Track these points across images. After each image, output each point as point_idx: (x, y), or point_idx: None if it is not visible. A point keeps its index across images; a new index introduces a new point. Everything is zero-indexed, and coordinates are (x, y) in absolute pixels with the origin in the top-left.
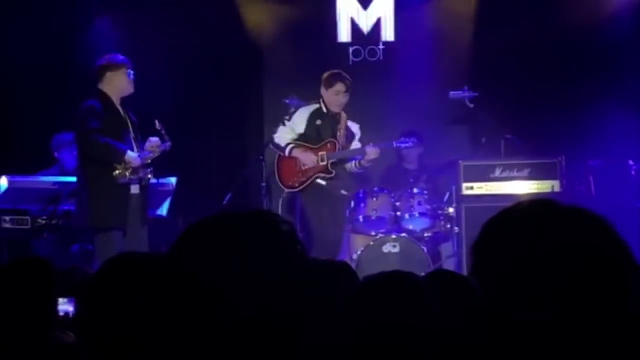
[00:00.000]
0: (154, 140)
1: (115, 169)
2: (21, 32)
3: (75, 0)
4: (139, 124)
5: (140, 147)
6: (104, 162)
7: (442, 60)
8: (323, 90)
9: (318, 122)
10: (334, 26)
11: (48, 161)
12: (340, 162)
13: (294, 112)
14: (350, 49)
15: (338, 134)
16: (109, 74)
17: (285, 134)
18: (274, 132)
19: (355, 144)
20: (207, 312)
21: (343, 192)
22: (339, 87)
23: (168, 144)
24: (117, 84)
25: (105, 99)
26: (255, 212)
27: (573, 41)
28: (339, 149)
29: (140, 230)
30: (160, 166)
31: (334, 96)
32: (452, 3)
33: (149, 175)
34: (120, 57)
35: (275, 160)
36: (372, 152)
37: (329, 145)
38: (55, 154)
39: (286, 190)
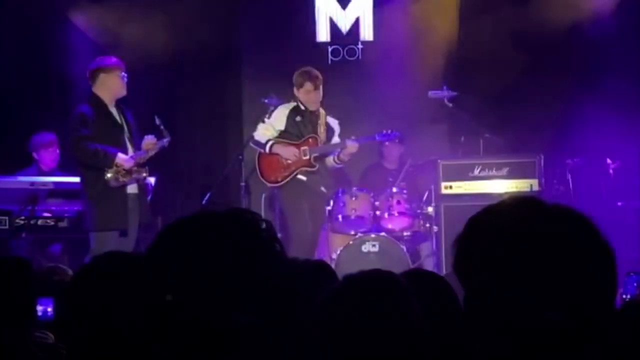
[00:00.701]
0: (150, 138)
1: (107, 172)
2: None
3: (49, 4)
4: (138, 120)
5: (137, 147)
6: (96, 168)
7: (421, 60)
8: (295, 91)
9: (298, 118)
10: (313, 25)
11: (25, 161)
12: (321, 158)
13: (273, 110)
14: (329, 49)
15: (319, 129)
16: (102, 77)
17: (265, 132)
18: (254, 131)
19: (336, 140)
20: (184, 311)
21: (322, 189)
22: (308, 86)
23: (167, 139)
24: (110, 87)
25: (97, 102)
26: (233, 211)
27: (552, 40)
28: (320, 144)
29: (133, 232)
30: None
31: (306, 95)
32: (430, 2)
33: (144, 175)
34: (114, 59)
35: (257, 158)
36: (351, 146)
37: (310, 140)
38: (34, 154)
39: (269, 185)
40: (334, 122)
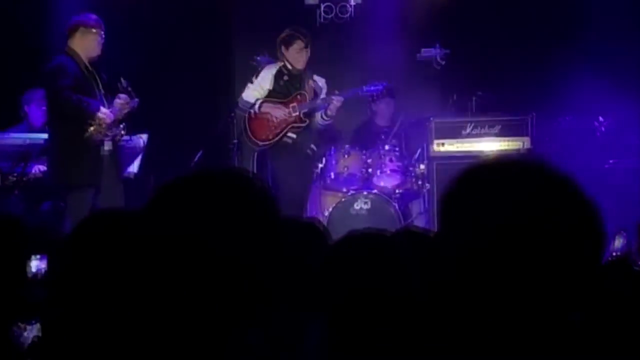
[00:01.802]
0: (123, 97)
1: (90, 125)
2: None
3: None
4: (109, 82)
5: (110, 105)
6: (78, 120)
7: (413, 19)
8: (283, 50)
9: (285, 78)
10: None
11: (15, 118)
12: (310, 115)
13: (260, 71)
14: (322, 6)
15: (306, 87)
16: (80, 33)
17: (253, 92)
18: (242, 92)
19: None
20: (182, 272)
21: (312, 146)
22: (298, 44)
23: (136, 100)
24: (87, 44)
25: (74, 56)
26: (228, 171)
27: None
28: (308, 101)
29: (115, 188)
30: (131, 124)
31: (295, 54)
32: None
33: (122, 132)
34: (94, 17)
35: (246, 119)
36: (337, 99)
37: (298, 96)
38: (25, 108)
39: (260, 144)
40: (320, 81)
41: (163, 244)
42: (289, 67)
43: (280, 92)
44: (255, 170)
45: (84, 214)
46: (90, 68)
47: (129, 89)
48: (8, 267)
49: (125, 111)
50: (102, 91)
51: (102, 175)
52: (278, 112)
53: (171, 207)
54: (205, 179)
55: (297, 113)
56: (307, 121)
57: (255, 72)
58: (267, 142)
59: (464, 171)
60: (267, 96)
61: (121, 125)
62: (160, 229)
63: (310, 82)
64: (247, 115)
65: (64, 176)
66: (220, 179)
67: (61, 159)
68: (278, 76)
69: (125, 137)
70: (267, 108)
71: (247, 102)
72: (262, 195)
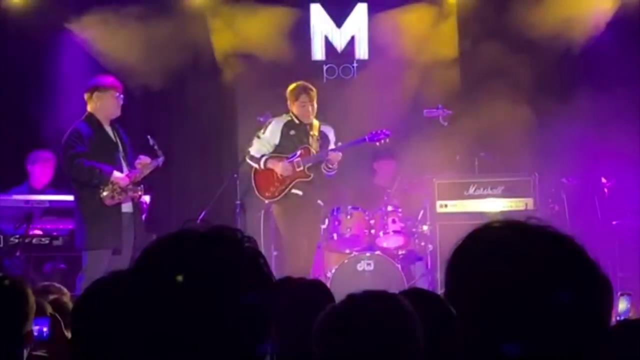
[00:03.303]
0: (144, 158)
1: (103, 190)
2: None
3: (46, 19)
4: (132, 141)
5: (131, 166)
6: (91, 185)
7: (416, 78)
8: (290, 104)
9: (292, 132)
10: (308, 44)
11: (16, 180)
12: (315, 168)
13: (268, 124)
14: (325, 67)
15: (310, 140)
16: (97, 95)
17: (261, 147)
18: (250, 147)
19: (332, 147)
20: (171, 328)
21: (319, 202)
22: (304, 98)
23: (160, 159)
24: (105, 106)
25: (92, 120)
26: (217, 230)
27: (547, 61)
28: (312, 154)
29: (128, 251)
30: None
31: (301, 108)
32: (426, 20)
33: (140, 193)
34: (110, 79)
35: (252, 174)
36: (334, 155)
37: (302, 151)
38: (29, 167)
39: (266, 201)
40: (328, 131)
41: (147, 305)
42: (296, 120)
43: (286, 147)
44: (262, 229)
45: (100, 274)
46: (111, 130)
47: (155, 147)
48: (12, 328)
49: (148, 171)
50: (123, 153)
51: (122, 237)
52: (282, 169)
53: (158, 267)
54: (190, 238)
55: (302, 168)
56: (312, 175)
57: (263, 127)
58: (273, 198)
59: (469, 234)
60: (273, 151)
61: (139, 187)
62: (144, 289)
63: (317, 134)
64: (252, 170)
65: (87, 241)
66: (206, 237)
67: (83, 224)
68: (285, 130)
69: (144, 198)
70: (271, 164)
71: (254, 157)
72: (249, 250)
